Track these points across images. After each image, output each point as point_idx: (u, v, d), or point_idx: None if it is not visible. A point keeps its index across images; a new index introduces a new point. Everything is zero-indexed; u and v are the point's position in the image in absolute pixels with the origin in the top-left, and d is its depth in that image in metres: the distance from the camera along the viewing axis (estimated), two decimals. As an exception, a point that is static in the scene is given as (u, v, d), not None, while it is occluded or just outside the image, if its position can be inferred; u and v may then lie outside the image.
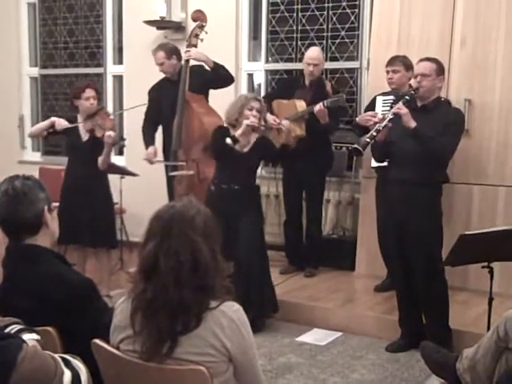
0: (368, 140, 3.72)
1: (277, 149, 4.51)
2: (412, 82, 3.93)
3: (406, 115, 3.71)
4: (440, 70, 3.83)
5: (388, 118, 3.72)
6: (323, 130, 5.02)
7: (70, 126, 4.58)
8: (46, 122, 4.69)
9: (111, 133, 4.46)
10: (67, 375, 1.61)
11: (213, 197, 4.36)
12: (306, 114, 4.95)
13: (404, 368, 3.80)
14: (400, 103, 3.79)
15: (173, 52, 5.15)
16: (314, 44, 5.74)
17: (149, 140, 5.24)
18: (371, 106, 4.75)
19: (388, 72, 4.68)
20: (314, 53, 5.14)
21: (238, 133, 4.27)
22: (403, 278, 3.93)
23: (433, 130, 3.69)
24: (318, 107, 4.84)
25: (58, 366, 1.59)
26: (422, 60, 3.87)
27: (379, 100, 4.73)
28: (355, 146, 3.78)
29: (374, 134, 3.72)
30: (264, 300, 4.32)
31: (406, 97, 3.80)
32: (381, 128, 3.72)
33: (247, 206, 4.32)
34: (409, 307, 3.99)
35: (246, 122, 4.26)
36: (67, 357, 1.68)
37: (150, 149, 5.17)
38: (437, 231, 3.82)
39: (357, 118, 4.68)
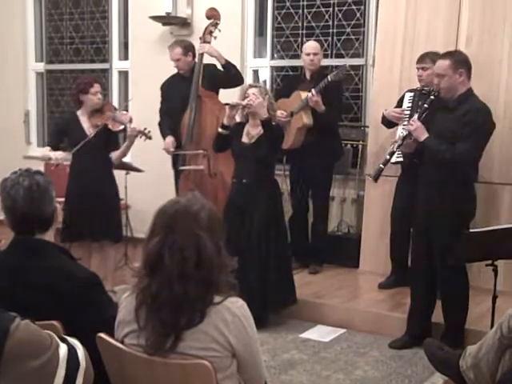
0: (382, 166, 3.73)
1: (281, 139, 4.44)
2: (435, 80, 3.82)
3: (415, 130, 3.72)
4: (457, 64, 3.69)
5: (402, 137, 3.73)
6: (326, 119, 4.98)
7: (68, 156, 4.57)
8: (46, 158, 4.62)
9: (135, 126, 4.48)
10: (63, 348, 1.64)
11: (231, 192, 4.46)
12: (307, 99, 4.93)
13: (407, 365, 3.80)
14: (415, 117, 3.78)
15: (189, 49, 5.22)
16: (320, 41, 5.74)
17: (166, 131, 5.28)
18: (400, 102, 4.72)
19: (418, 69, 4.56)
20: (312, 43, 5.24)
21: (224, 119, 4.36)
22: (424, 274, 3.92)
23: (455, 130, 3.67)
24: (310, 95, 4.86)
25: (52, 339, 1.63)
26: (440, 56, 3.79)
27: (407, 96, 4.67)
28: (369, 175, 3.80)
29: (388, 157, 3.73)
30: (271, 294, 4.31)
31: (425, 105, 3.79)
32: (394, 149, 3.73)
33: (258, 199, 4.30)
34: (422, 304, 3.98)
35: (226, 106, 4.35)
36: (63, 336, 1.71)
37: (168, 139, 5.22)
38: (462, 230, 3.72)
39: (384, 111, 4.67)
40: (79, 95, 4.61)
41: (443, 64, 3.72)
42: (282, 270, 4.39)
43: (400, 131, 4.47)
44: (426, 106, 3.82)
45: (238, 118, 4.53)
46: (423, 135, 3.72)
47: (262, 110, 4.25)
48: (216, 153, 4.68)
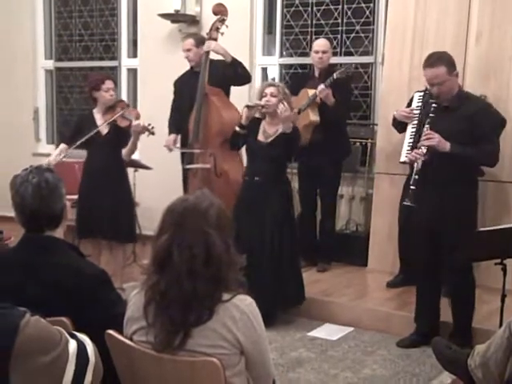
0: (413, 188, 3.70)
1: (298, 144, 4.44)
2: (434, 89, 3.80)
3: (439, 144, 3.66)
4: (450, 67, 3.71)
5: (423, 153, 3.70)
6: (334, 116, 4.98)
7: (59, 158, 4.54)
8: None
9: (139, 122, 4.50)
10: (72, 344, 1.65)
11: (241, 189, 4.45)
12: (314, 96, 4.95)
13: (415, 364, 3.79)
14: (426, 129, 3.73)
15: (202, 42, 5.19)
16: (329, 38, 5.73)
17: (171, 127, 5.32)
18: (410, 103, 4.65)
19: None
20: (321, 41, 5.23)
21: (242, 119, 4.37)
22: (429, 273, 3.91)
23: (463, 129, 3.66)
24: (320, 88, 4.86)
25: (62, 334, 1.64)
26: (427, 65, 3.74)
27: (416, 96, 4.61)
28: (407, 203, 3.78)
29: (416, 177, 3.70)
30: (283, 292, 4.31)
31: (431, 114, 3.76)
32: (420, 167, 3.70)
33: (270, 198, 4.29)
34: (428, 303, 3.97)
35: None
36: (72, 332, 1.73)
37: (170, 136, 5.26)
38: (471, 228, 3.74)
39: (395, 112, 4.55)
40: (92, 92, 4.65)
41: (440, 72, 3.69)
42: (294, 269, 4.40)
43: (410, 131, 4.45)
44: (432, 115, 3.76)
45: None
46: (447, 145, 3.67)
47: (289, 124, 4.24)
48: (231, 150, 4.69)
